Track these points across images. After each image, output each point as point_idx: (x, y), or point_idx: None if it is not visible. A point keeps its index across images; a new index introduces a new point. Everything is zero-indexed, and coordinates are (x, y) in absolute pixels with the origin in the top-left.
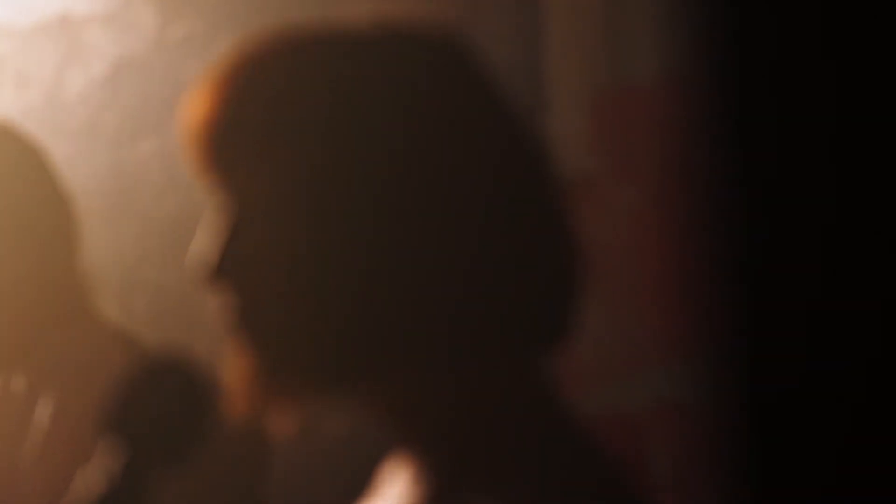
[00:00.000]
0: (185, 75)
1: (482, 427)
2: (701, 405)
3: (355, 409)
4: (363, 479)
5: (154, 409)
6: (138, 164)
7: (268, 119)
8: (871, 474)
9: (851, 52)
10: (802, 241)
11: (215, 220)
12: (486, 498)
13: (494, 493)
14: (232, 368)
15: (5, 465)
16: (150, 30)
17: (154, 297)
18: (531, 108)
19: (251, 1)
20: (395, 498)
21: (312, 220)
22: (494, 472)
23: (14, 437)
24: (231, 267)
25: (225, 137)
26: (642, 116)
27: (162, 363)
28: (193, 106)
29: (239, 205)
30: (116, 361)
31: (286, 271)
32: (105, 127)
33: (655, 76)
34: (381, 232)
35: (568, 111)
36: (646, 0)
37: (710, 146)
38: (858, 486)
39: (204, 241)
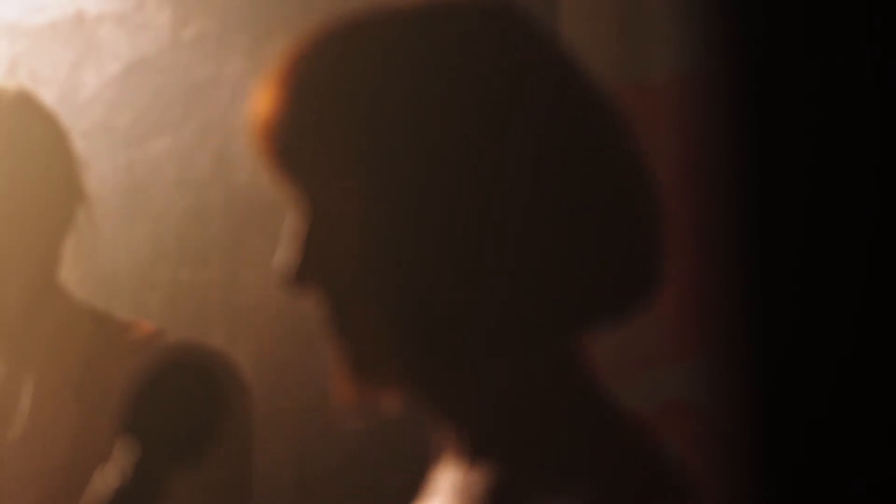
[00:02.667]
0: (199, 75)
1: (534, 418)
2: (711, 405)
3: (417, 401)
4: (417, 473)
5: (168, 407)
6: (152, 164)
7: (334, 112)
8: (882, 475)
9: (867, 49)
10: (815, 241)
11: (294, 223)
12: (541, 490)
13: (549, 486)
14: (332, 362)
15: None
16: (163, 29)
17: (168, 295)
18: None
19: (265, 0)
20: (448, 491)
21: (388, 214)
22: (547, 464)
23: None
24: (313, 270)
25: (292, 135)
26: (656, 115)
27: (176, 361)
28: (257, 107)
29: (314, 204)
30: (88, 337)
31: (365, 268)
32: (118, 126)
33: (669, 74)
34: (454, 219)
35: None
36: None
37: (725, 144)
38: (868, 485)
39: (286, 246)
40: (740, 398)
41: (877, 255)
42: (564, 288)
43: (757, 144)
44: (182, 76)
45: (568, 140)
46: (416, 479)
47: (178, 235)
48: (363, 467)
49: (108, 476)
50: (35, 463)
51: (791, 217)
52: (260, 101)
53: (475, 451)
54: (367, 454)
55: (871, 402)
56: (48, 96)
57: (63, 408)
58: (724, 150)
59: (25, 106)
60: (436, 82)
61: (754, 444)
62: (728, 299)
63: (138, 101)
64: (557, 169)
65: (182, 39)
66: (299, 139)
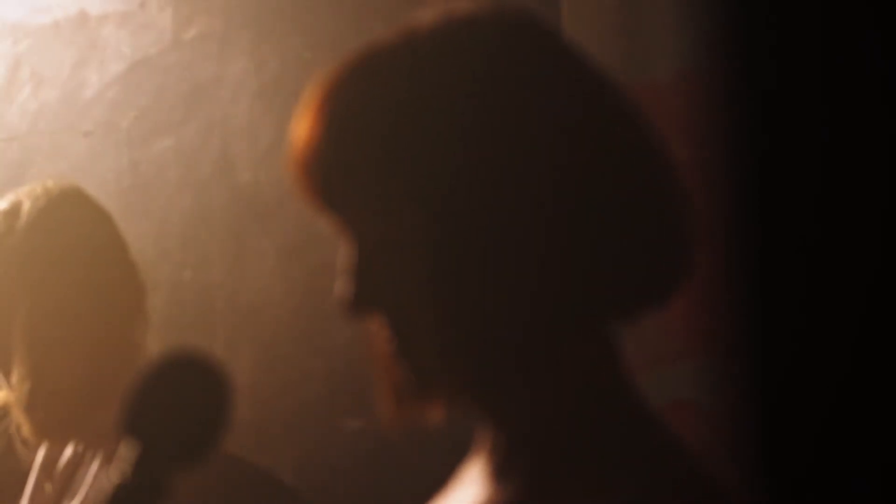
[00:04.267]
0: (202, 74)
1: (569, 419)
2: (716, 405)
3: (464, 409)
4: (419, 473)
5: (170, 408)
6: (154, 163)
7: (372, 140)
8: (884, 475)
9: (868, 50)
10: (820, 240)
11: (347, 251)
12: (576, 492)
13: (584, 487)
14: (382, 379)
15: None
16: (166, 29)
17: (171, 296)
18: None
19: (267, 0)
20: (478, 491)
21: (437, 235)
22: (583, 465)
23: (53, 497)
24: (369, 297)
25: (333, 167)
26: (660, 114)
27: (178, 363)
28: (295, 141)
29: (363, 232)
30: None
31: (417, 290)
32: (121, 126)
33: (673, 74)
34: (500, 235)
35: None
36: None
37: (728, 143)
38: (870, 485)
39: (343, 275)
40: (745, 398)
41: (881, 256)
42: (604, 289)
43: (760, 143)
44: (184, 76)
45: (598, 143)
46: (419, 479)
47: (180, 235)
48: (366, 468)
49: (110, 477)
50: None
51: (795, 216)
52: (297, 135)
53: (510, 453)
54: (370, 454)
55: (875, 403)
56: (51, 96)
57: None
58: (727, 149)
59: (76, 200)
60: (469, 101)
61: (758, 443)
62: (733, 299)
63: (141, 100)
64: (592, 174)
65: (184, 39)
66: (341, 171)
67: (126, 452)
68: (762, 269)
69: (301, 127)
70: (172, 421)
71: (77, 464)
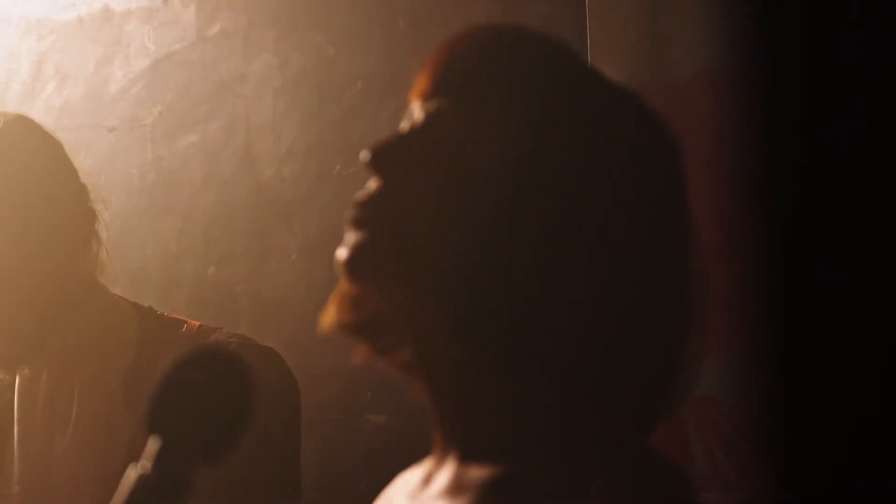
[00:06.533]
0: (225, 71)
1: (545, 419)
2: (738, 401)
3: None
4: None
5: (193, 404)
6: (178, 160)
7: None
8: None
9: (887, 49)
10: (837, 238)
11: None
12: (548, 491)
13: (558, 487)
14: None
15: (38, 453)
16: (189, 25)
17: (194, 291)
18: None
19: None
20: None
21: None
22: (558, 466)
23: (43, 426)
24: (390, 158)
25: (437, 94)
26: (681, 112)
27: (202, 358)
28: (453, 42)
29: (430, 126)
30: (135, 333)
31: (434, 193)
32: (145, 122)
33: (695, 72)
34: (523, 237)
35: None
36: None
37: (750, 141)
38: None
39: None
40: (767, 394)
41: None
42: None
43: (782, 142)
44: (208, 72)
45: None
46: None
47: (204, 232)
48: (386, 460)
49: (133, 471)
50: (90, 469)
51: (818, 213)
52: (419, 74)
53: (477, 449)
54: (392, 449)
55: (891, 396)
56: (75, 92)
57: (114, 406)
58: (750, 147)
59: (23, 129)
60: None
61: (780, 439)
62: (756, 296)
63: (165, 97)
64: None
65: (208, 35)
66: (448, 81)
67: (149, 447)
68: (785, 267)
69: (422, 69)
70: (195, 417)
71: (57, 386)
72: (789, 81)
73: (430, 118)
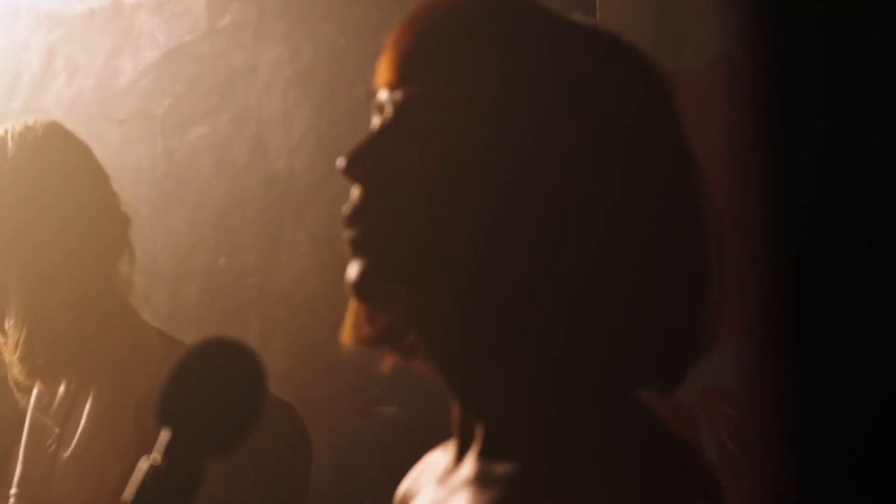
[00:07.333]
0: (236, 62)
1: (561, 412)
2: (747, 392)
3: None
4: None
5: (204, 395)
6: (189, 151)
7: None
8: None
9: None
10: (853, 228)
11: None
12: (568, 485)
13: (577, 480)
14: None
15: (41, 460)
16: (200, 17)
17: (205, 282)
18: None
19: None
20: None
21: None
22: (576, 459)
23: (52, 434)
24: (364, 163)
25: (408, 63)
26: (692, 103)
27: (212, 349)
28: (409, 20)
29: (404, 111)
30: (155, 359)
31: (420, 184)
32: (156, 114)
33: (706, 62)
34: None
35: None
36: None
37: (761, 131)
38: None
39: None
40: (777, 385)
41: None
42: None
43: (793, 131)
44: (219, 64)
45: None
46: None
47: (214, 223)
48: (397, 451)
49: (143, 462)
50: (92, 481)
51: (829, 204)
52: (390, 36)
53: (497, 442)
54: (400, 438)
55: None
56: (85, 84)
57: (122, 428)
58: (759, 136)
59: (59, 136)
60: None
61: (791, 430)
62: (766, 287)
63: (175, 88)
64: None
65: (218, 27)
66: (422, 46)
67: (160, 438)
68: (795, 257)
69: (418, 13)
70: (206, 408)
71: (73, 400)
72: (803, 72)
73: (399, 111)
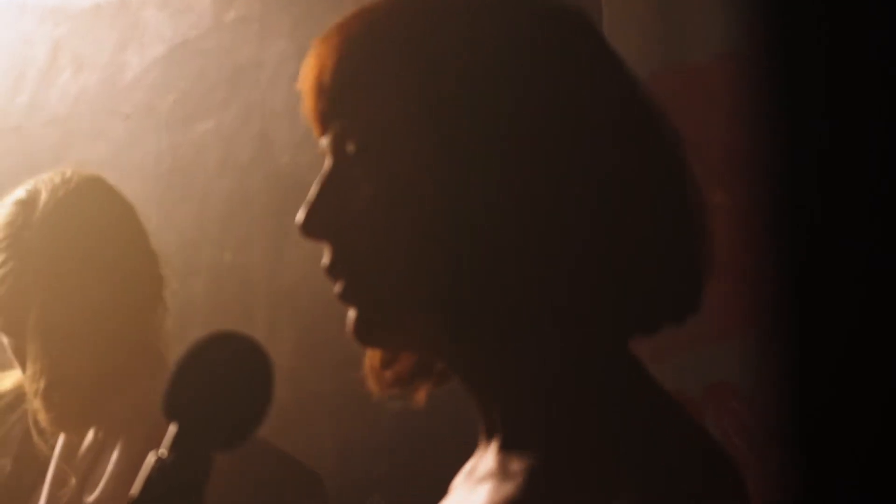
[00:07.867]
0: (241, 57)
1: (583, 404)
2: (753, 386)
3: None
4: (457, 451)
5: (211, 389)
6: (195, 146)
7: (388, 53)
8: None
9: None
10: (858, 222)
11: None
12: (591, 479)
13: (600, 474)
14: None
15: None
16: (206, 12)
17: (212, 277)
18: None
19: None
20: (484, 475)
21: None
22: (599, 453)
23: (76, 480)
24: (319, 221)
25: (343, 70)
26: (697, 97)
27: (219, 344)
28: (310, 57)
29: (344, 153)
30: None
31: (382, 222)
32: (161, 109)
33: (712, 57)
34: (513, 198)
35: None
36: None
37: (765, 126)
38: None
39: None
40: (784, 380)
41: None
42: (619, 281)
43: (799, 126)
44: (224, 59)
45: (629, 133)
46: (457, 458)
47: (220, 218)
48: (405, 447)
49: (153, 455)
50: None
51: (835, 198)
52: (312, 55)
53: (516, 436)
54: (408, 434)
55: None
56: (91, 79)
57: None
58: (764, 131)
59: (96, 190)
60: (489, 62)
61: (796, 425)
62: (772, 281)
63: (181, 83)
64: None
65: (224, 22)
66: (348, 77)
67: (168, 433)
68: (801, 250)
69: (316, 48)
70: (213, 402)
71: (98, 451)
72: (808, 67)
73: (337, 154)
